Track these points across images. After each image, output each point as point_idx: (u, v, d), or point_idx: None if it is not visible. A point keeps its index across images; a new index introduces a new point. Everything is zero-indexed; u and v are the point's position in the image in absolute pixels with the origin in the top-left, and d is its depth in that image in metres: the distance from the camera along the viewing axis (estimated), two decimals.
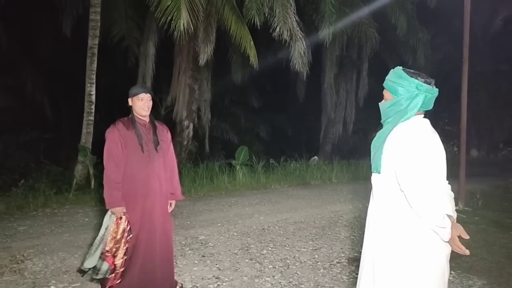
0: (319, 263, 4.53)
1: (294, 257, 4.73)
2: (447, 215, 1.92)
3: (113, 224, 3.11)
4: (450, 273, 2.69)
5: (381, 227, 2.06)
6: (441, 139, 2.08)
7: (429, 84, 2.02)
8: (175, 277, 3.66)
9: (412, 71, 2.08)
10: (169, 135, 3.52)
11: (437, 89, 2.06)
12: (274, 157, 12.81)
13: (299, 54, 9.67)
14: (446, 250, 1.98)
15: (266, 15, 9.23)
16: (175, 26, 7.49)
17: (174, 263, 4.00)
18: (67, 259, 4.46)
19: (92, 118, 9.03)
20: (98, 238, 3.18)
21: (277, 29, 9.18)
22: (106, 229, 3.15)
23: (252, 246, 5.12)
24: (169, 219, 3.45)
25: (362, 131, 18.33)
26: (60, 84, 13.26)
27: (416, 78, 2.02)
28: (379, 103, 2.20)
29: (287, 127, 17.81)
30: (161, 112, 12.83)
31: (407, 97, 2.03)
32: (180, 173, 4.12)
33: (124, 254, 3.11)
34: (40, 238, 5.30)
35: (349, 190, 9.82)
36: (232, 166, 11.08)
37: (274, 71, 15.29)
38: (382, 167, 2.03)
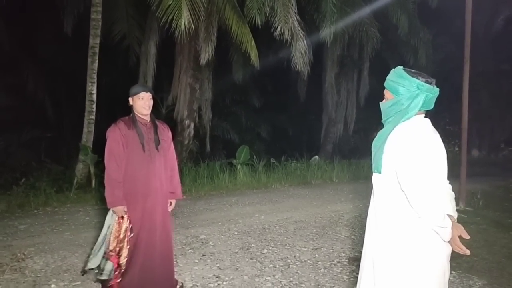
0: (319, 262, 4.53)
1: (295, 256, 4.73)
2: (447, 215, 1.92)
3: (115, 223, 3.11)
4: (451, 273, 2.69)
5: (381, 227, 2.06)
6: (442, 139, 2.08)
7: (430, 83, 2.02)
8: (176, 276, 3.67)
9: (413, 70, 2.08)
10: (170, 134, 3.52)
11: (438, 89, 2.06)
12: (275, 156, 12.81)
13: (300, 53, 9.67)
14: (447, 250, 1.98)
15: (267, 15, 9.22)
16: (176, 26, 7.49)
17: (174, 262, 4.01)
18: (68, 258, 4.46)
19: (93, 117, 9.03)
20: (100, 237, 3.18)
21: (278, 29, 9.18)
22: (108, 228, 3.15)
23: (252, 245, 5.13)
24: (169, 218, 3.45)
25: (363, 130, 18.31)
26: (61, 83, 13.27)
27: (417, 78, 2.02)
28: (380, 103, 2.20)
29: (288, 127, 17.80)
30: (162, 111, 12.83)
31: (408, 97, 2.03)
32: (181, 172, 4.12)
33: (128, 254, 3.11)
34: (41, 236, 5.31)
35: (349, 190, 9.82)
36: (233, 165, 11.09)
37: (275, 71, 15.28)
38: (383, 167, 2.03)
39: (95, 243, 3.21)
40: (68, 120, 13.77)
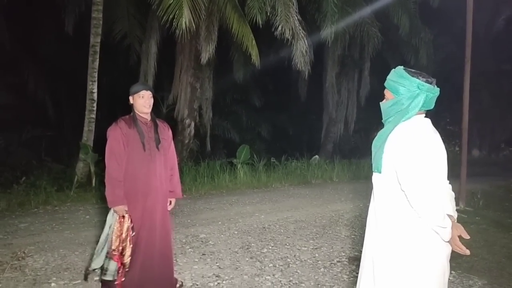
0: (319, 262, 4.53)
1: (295, 256, 4.73)
2: (447, 215, 1.92)
3: (116, 222, 3.10)
4: (451, 273, 2.69)
5: (381, 227, 2.06)
6: (443, 139, 2.08)
7: (430, 83, 2.02)
8: (176, 275, 3.67)
9: (413, 70, 2.08)
10: (170, 133, 3.52)
11: (438, 89, 2.06)
12: (275, 156, 12.81)
13: (301, 53, 9.66)
14: (447, 250, 1.98)
15: (268, 14, 9.21)
16: (177, 25, 7.49)
17: (174, 261, 4.01)
18: (68, 256, 4.46)
19: (93, 116, 9.04)
20: (102, 237, 3.17)
21: (279, 28, 9.17)
22: (110, 227, 3.15)
23: (252, 244, 5.13)
24: (169, 217, 3.45)
25: (364, 130, 18.30)
26: (62, 82, 13.28)
27: (418, 78, 2.01)
28: (380, 103, 2.20)
29: (288, 126, 17.80)
30: (163, 110, 12.84)
31: (408, 97, 2.03)
32: (181, 171, 4.13)
33: (134, 253, 3.11)
34: (41, 235, 5.31)
35: (350, 189, 9.82)
36: (233, 164, 11.09)
37: (276, 70, 15.27)
38: (383, 167, 2.03)
39: (97, 243, 3.21)
40: (68, 119, 13.79)
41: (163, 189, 3.33)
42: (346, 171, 12.51)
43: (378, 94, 2.33)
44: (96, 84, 9.01)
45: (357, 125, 17.67)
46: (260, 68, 10.15)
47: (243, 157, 11.09)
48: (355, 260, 4.48)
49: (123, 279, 3.09)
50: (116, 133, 3.16)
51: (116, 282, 3.09)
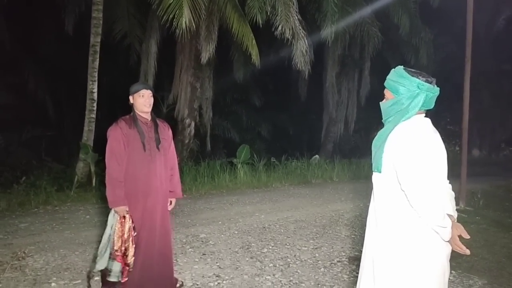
0: (319, 262, 4.53)
1: (295, 255, 4.73)
2: (447, 214, 1.92)
3: (117, 223, 3.10)
4: (451, 273, 2.69)
5: (381, 226, 2.06)
6: (443, 139, 2.08)
7: (430, 83, 2.02)
8: (176, 275, 3.67)
9: (413, 70, 2.07)
10: (170, 132, 3.52)
11: (438, 88, 2.05)
12: (276, 155, 12.81)
13: (301, 52, 9.65)
14: (447, 250, 1.98)
15: (268, 14, 9.21)
16: (177, 24, 7.49)
17: (174, 261, 4.01)
18: (68, 256, 4.47)
19: (93, 115, 9.04)
20: (104, 238, 3.17)
21: (279, 28, 9.17)
22: (111, 228, 3.14)
23: (252, 244, 5.13)
24: (169, 217, 3.44)
25: (364, 130, 18.31)
26: (62, 82, 13.28)
27: (417, 77, 2.01)
28: (380, 103, 2.20)
29: (288, 126, 17.80)
30: (163, 110, 12.85)
31: (408, 96, 2.03)
32: (181, 171, 4.13)
33: (135, 253, 3.10)
34: (41, 235, 5.31)
35: (350, 189, 9.82)
36: (234, 164, 11.09)
37: (276, 70, 15.27)
38: (383, 166, 2.03)
39: (100, 244, 3.21)
40: (68, 119, 13.79)
41: (163, 189, 3.32)
42: (346, 170, 12.51)
43: (378, 93, 2.33)
44: (96, 84, 9.01)
45: (357, 125, 17.67)
46: (260, 67, 10.15)
47: (243, 157, 11.09)
48: (355, 260, 4.48)
49: (126, 279, 3.09)
50: (117, 133, 3.15)
51: (122, 281, 3.09)
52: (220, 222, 6.21)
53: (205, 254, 4.67)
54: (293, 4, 9.36)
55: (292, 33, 9.30)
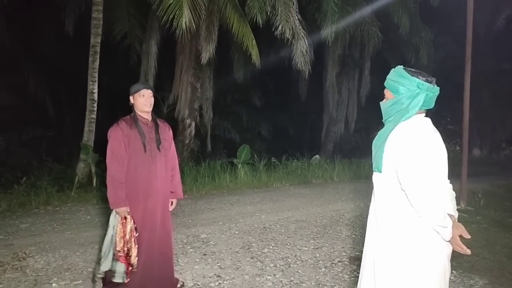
0: (320, 262, 4.53)
1: (295, 255, 4.73)
2: (448, 214, 1.92)
3: (119, 224, 3.10)
4: (452, 273, 2.69)
5: (382, 226, 2.06)
6: (443, 138, 2.08)
7: (430, 82, 2.02)
8: (177, 275, 3.68)
9: (413, 70, 2.07)
10: (171, 133, 3.52)
11: (438, 88, 2.05)
12: (276, 155, 12.82)
13: (301, 52, 9.65)
14: (447, 250, 1.98)
15: (268, 14, 9.21)
16: (177, 25, 7.48)
17: (175, 261, 4.01)
18: (69, 257, 4.47)
19: (94, 116, 9.04)
20: (107, 239, 3.17)
21: (279, 28, 9.16)
22: (113, 229, 3.14)
23: (253, 244, 5.13)
24: (170, 218, 3.44)
25: (364, 130, 18.31)
26: (62, 82, 13.27)
27: (417, 77, 2.01)
28: (380, 102, 2.20)
29: (288, 126, 17.79)
30: (163, 110, 12.85)
31: (408, 96, 2.03)
32: (182, 171, 4.12)
33: (138, 253, 3.10)
34: (42, 235, 5.31)
35: (350, 189, 9.82)
36: (234, 164, 11.10)
37: (276, 70, 15.26)
38: (383, 166, 2.03)
39: (103, 246, 3.21)
40: (69, 119, 13.79)
41: (164, 189, 3.32)
42: (347, 170, 12.51)
43: (378, 93, 2.33)
44: (96, 84, 9.02)
45: (358, 125, 17.67)
46: (260, 68, 10.14)
47: (243, 157, 11.09)
48: (356, 260, 4.48)
49: (128, 279, 3.10)
50: (117, 134, 3.15)
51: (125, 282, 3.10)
52: (220, 222, 6.21)
53: (206, 254, 4.68)
54: (293, 4, 9.35)
55: (292, 33, 9.30)
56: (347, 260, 4.62)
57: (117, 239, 3.06)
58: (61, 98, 13.67)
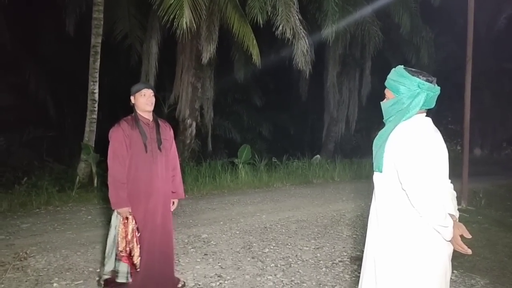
0: (321, 261, 4.53)
1: (296, 255, 4.73)
2: (449, 214, 1.91)
3: (120, 224, 3.10)
4: (453, 272, 2.68)
5: (383, 226, 2.06)
6: (444, 138, 2.08)
7: (431, 82, 2.02)
8: (178, 275, 3.68)
9: (413, 69, 2.07)
10: (171, 133, 3.52)
11: (438, 88, 2.05)
12: (277, 155, 12.82)
13: (301, 52, 9.65)
14: (448, 249, 1.98)
15: (269, 14, 9.21)
16: (177, 25, 7.48)
17: (176, 261, 4.01)
18: (70, 257, 4.47)
19: (95, 116, 9.05)
20: (110, 240, 3.17)
21: (280, 28, 9.16)
22: (115, 229, 3.15)
23: (254, 244, 5.13)
24: (171, 218, 3.44)
25: (365, 129, 18.31)
26: (63, 82, 13.29)
27: (418, 77, 2.01)
28: (381, 102, 2.19)
29: (289, 126, 17.80)
30: (164, 110, 12.87)
31: (408, 96, 2.02)
32: (182, 171, 4.13)
33: (140, 253, 3.11)
34: (43, 235, 5.32)
35: (351, 189, 9.81)
36: (235, 164, 11.10)
37: (277, 70, 15.27)
38: (384, 166, 2.03)
39: (106, 247, 3.22)
40: (70, 119, 13.81)
41: (165, 189, 3.33)
42: (348, 170, 12.51)
43: (379, 93, 2.33)
44: (97, 84, 9.03)
45: (359, 125, 17.67)
46: (261, 67, 10.15)
47: (244, 157, 11.09)
48: (357, 260, 4.48)
49: (132, 280, 3.10)
50: (119, 135, 3.15)
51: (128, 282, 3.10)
52: (221, 222, 6.21)
53: (207, 254, 4.68)
54: (294, 4, 9.35)
55: (292, 33, 9.30)
56: (348, 260, 4.61)
57: (119, 239, 3.07)
58: (62, 98, 13.69)
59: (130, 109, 3.34)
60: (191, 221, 6.26)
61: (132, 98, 3.26)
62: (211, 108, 12.87)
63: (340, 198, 8.68)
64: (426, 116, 2.08)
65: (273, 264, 4.40)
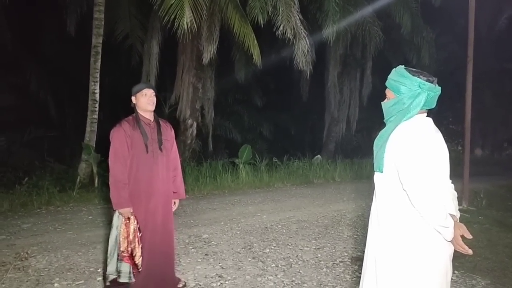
0: (322, 262, 4.53)
1: (297, 256, 4.73)
2: (450, 214, 1.91)
3: (122, 224, 3.10)
4: (453, 273, 2.68)
5: (384, 226, 2.06)
6: (445, 138, 2.08)
7: (432, 82, 2.01)
8: (179, 275, 3.68)
9: (414, 69, 2.07)
10: (172, 133, 3.52)
11: (439, 88, 2.05)
12: (277, 155, 12.82)
13: (302, 52, 9.65)
14: (449, 250, 1.98)
15: (270, 14, 9.22)
16: (178, 25, 7.49)
17: (177, 261, 4.01)
18: (71, 257, 4.47)
19: (96, 116, 9.06)
20: (112, 240, 3.17)
21: (281, 28, 9.17)
22: (117, 229, 3.15)
23: (255, 244, 5.13)
24: (172, 219, 3.44)
25: (366, 130, 18.29)
26: (64, 82, 13.31)
27: (419, 77, 2.01)
28: (382, 102, 2.19)
29: (290, 126, 17.80)
30: (165, 111, 12.88)
31: (409, 96, 2.02)
32: (183, 171, 4.12)
33: (142, 253, 3.11)
34: (44, 235, 5.32)
35: (352, 189, 9.81)
36: (235, 164, 11.10)
37: (278, 70, 15.27)
38: (385, 166, 2.03)
39: (108, 247, 3.22)
40: (71, 120, 13.83)
41: (165, 190, 3.33)
42: (348, 170, 12.51)
43: (380, 93, 2.33)
44: (98, 84, 9.03)
45: (359, 125, 17.65)
46: (261, 68, 10.17)
47: (245, 157, 11.09)
48: (358, 260, 4.48)
49: (134, 280, 3.11)
50: (120, 135, 3.15)
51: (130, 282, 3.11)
52: (222, 223, 6.21)
53: (207, 255, 4.68)
54: (295, 4, 9.36)
55: (293, 33, 9.30)
56: (349, 260, 4.61)
57: (121, 239, 3.07)
58: (63, 98, 13.71)
59: (131, 110, 3.34)
60: (192, 221, 6.26)
61: (133, 98, 3.26)
62: (212, 108, 12.88)
63: (341, 198, 8.68)
64: (427, 116, 2.08)
65: (273, 265, 4.39)
